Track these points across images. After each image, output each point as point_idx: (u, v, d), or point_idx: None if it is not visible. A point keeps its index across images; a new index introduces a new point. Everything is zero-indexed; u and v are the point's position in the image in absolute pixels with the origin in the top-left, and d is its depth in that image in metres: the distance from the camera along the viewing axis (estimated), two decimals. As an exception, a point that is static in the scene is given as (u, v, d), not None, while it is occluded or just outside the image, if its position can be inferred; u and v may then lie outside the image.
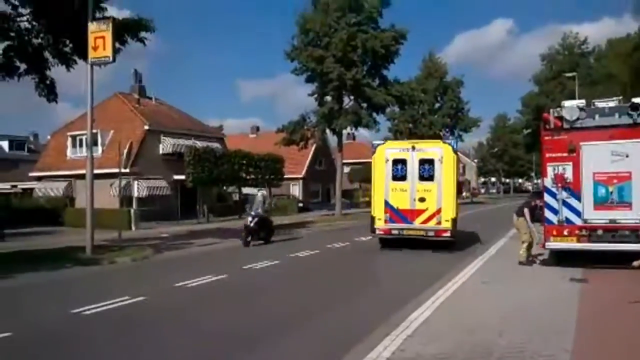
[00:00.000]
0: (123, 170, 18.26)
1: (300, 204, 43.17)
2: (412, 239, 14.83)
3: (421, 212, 14.62)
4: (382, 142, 16.37)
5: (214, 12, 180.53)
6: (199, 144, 33.67)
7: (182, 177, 31.00)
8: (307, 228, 25.33)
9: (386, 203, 14.96)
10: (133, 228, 25.77)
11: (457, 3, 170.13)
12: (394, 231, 14.93)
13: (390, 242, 15.42)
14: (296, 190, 47.82)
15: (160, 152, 32.70)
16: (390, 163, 15.01)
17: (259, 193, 18.60)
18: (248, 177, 35.51)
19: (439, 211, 14.48)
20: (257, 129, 58.36)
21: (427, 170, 14.70)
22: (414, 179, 14.76)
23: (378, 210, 15.12)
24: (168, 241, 19.25)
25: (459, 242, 15.51)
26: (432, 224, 14.52)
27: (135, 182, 29.55)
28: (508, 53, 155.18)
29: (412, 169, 14.79)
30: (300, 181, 47.66)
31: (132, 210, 26.97)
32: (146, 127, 31.88)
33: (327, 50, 30.33)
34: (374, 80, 32.16)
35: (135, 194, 29.61)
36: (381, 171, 15.13)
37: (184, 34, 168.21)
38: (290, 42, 31.89)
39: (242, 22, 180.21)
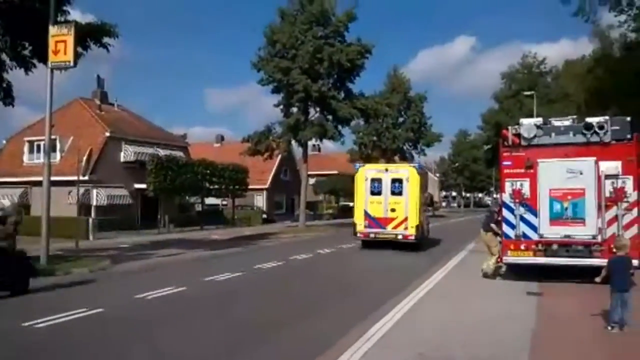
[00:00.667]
0: (82, 178, 17.86)
1: (265, 215, 42.84)
2: (385, 241, 18.16)
3: (392, 219, 18.14)
4: (363, 164, 20.96)
5: (183, 19, 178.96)
6: (162, 152, 33.14)
7: (144, 186, 30.37)
8: (269, 240, 25.19)
9: (365, 212, 18.45)
10: (91, 238, 25.03)
11: (422, 19, 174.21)
12: (371, 235, 18.44)
13: (369, 244, 18.73)
14: (260, 201, 47.47)
15: (122, 159, 31.89)
16: (369, 181, 18.64)
17: None
18: (211, 187, 35.16)
19: (406, 219, 17.97)
20: (222, 138, 57.70)
21: (397, 187, 18.31)
22: (387, 194, 18.32)
23: (359, 218, 18.68)
24: (127, 251, 18.79)
25: (423, 253, 17.66)
26: (400, 229, 17.99)
27: (95, 190, 28.79)
28: (470, 70, 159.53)
29: (386, 186, 18.40)
30: (265, 192, 47.34)
31: (90, 219, 26.23)
32: (107, 134, 31.07)
33: (294, 62, 30.40)
34: (339, 93, 32.38)
35: (94, 203, 28.84)
36: (362, 187, 18.75)
37: (151, 40, 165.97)
38: (257, 52, 31.97)
39: (213, 29, 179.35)
